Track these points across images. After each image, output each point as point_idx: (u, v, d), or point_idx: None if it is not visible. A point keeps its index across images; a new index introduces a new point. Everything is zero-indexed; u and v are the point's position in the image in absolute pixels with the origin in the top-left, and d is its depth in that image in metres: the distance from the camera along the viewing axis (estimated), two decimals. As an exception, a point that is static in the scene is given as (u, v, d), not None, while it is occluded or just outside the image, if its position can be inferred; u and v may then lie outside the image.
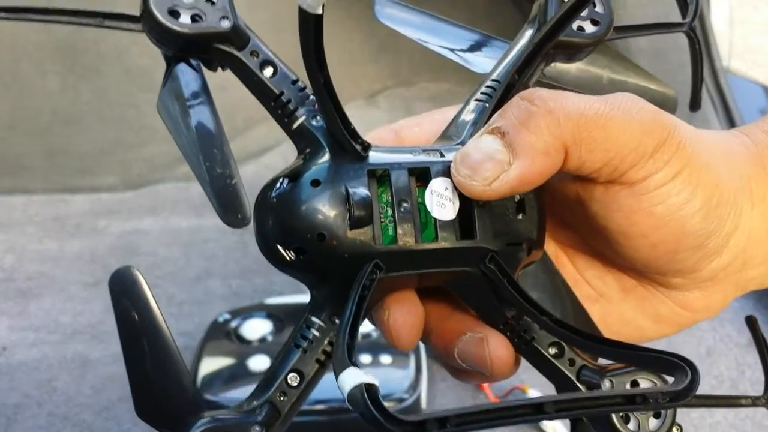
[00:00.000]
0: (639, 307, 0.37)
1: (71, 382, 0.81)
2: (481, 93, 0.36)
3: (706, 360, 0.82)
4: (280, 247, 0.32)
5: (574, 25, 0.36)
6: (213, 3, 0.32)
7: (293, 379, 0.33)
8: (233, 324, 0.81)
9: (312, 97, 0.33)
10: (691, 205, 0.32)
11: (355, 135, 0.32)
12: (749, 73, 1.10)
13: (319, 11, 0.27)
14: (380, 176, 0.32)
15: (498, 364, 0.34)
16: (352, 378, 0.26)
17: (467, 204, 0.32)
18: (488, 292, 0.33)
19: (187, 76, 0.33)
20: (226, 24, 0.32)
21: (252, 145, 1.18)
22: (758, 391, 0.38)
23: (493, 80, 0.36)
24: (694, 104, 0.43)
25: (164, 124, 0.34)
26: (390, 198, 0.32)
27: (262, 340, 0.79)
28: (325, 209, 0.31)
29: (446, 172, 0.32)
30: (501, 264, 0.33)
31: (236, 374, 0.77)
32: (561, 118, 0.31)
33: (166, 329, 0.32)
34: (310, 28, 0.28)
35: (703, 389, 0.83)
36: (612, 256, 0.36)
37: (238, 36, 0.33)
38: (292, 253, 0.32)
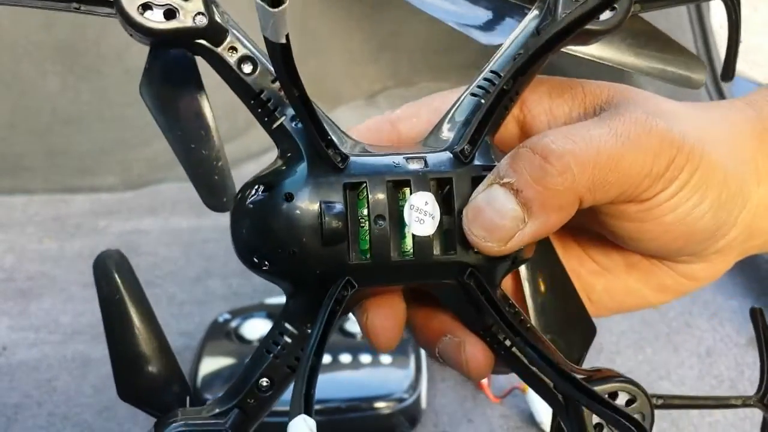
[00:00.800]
0: (643, 280, 0.37)
1: (71, 382, 0.81)
2: (478, 86, 0.34)
3: (706, 360, 0.82)
4: (253, 255, 0.32)
5: None
6: None
7: (264, 384, 0.33)
8: (233, 324, 0.81)
9: None
10: (700, 209, 0.32)
11: (333, 146, 0.31)
12: (749, 73, 1.10)
13: (283, 40, 0.26)
14: (358, 188, 0.31)
15: (474, 367, 0.34)
16: (297, 429, 0.26)
17: (448, 218, 0.32)
18: (467, 303, 0.33)
19: (171, 56, 0.32)
20: (201, 20, 0.31)
21: (252, 145, 1.18)
22: (758, 391, 0.38)
23: (491, 72, 0.35)
24: (726, 74, 0.41)
25: (148, 109, 0.33)
26: (367, 212, 0.31)
27: (262, 340, 0.79)
28: (297, 226, 0.30)
29: (427, 184, 0.31)
30: (480, 280, 0.32)
31: (236, 374, 0.77)
32: (576, 173, 0.30)
33: (131, 310, 0.32)
34: (278, 55, 0.27)
35: (702, 389, 0.83)
36: (619, 243, 0.36)
37: (214, 32, 0.31)
38: (266, 262, 0.32)
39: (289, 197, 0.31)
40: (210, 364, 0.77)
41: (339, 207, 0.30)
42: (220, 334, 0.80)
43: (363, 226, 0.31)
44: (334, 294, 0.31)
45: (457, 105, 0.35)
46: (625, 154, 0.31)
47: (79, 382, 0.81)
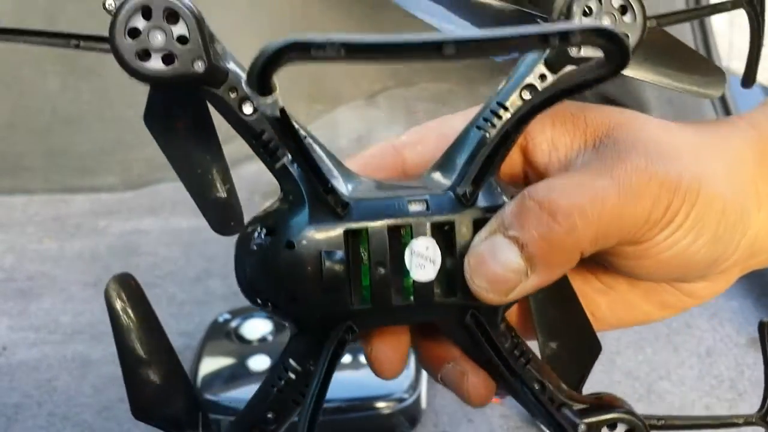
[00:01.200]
0: (646, 297, 0.38)
1: (71, 382, 0.81)
2: (483, 119, 0.34)
3: (706, 360, 0.82)
4: (256, 297, 0.32)
5: None
6: (185, 42, 0.30)
7: (270, 417, 0.34)
8: (233, 324, 0.81)
9: None
10: (697, 244, 0.33)
11: (333, 192, 0.31)
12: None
13: (277, 114, 0.26)
14: (359, 234, 0.31)
15: (475, 396, 0.35)
16: None
17: (450, 260, 0.32)
18: (468, 340, 0.33)
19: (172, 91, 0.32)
20: (199, 66, 0.30)
21: (252, 146, 1.19)
22: (757, 392, 0.39)
23: (498, 103, 0.34)
24: (747, 81, 0.40)
25: (153, 137, 0.33)
26: (368, 257, 0.31)
27: (262, 340, 0.79)
28: (299, 273, 0.31)
29: (429, 229, 0.31)
30: (481, 321, 0.32)
31: (236, 374, 0.77)
32: (581, 230, 0.30)
33: (133, 335, 0.33)
34: (276, 125, 0.28)
35: (702, 389, 0.83)
36: (619, 273, 0.37)
37: (213, 74, 0.31)
38: (268, 304, 0.32)
39: (290, 245, 0.31)
40: (210, 364, 0.77)
41: (339, 255, 0.31)
42: (220, 334, 0.80)
43: (365, 265, 0.31)
44: (336, 338, 0.31)
45: (461, 138, 0.34)
46: (627, 205, 0.31)
47: (79, 382, 0.81)
